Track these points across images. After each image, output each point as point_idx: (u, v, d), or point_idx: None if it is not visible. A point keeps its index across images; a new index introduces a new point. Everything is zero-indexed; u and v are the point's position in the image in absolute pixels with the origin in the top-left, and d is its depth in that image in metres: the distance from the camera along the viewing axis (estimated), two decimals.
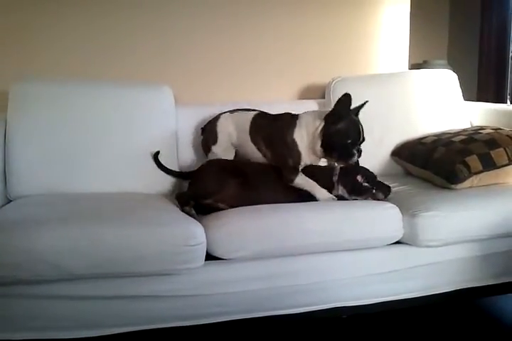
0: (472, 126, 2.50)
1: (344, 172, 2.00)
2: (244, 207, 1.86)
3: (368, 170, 2.03)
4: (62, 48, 2.47)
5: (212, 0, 2.64)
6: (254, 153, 2.15)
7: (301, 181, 1.97)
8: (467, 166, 2.03)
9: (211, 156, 2.22)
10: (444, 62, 3.12)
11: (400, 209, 1.88)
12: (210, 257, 1.71)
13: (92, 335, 1.66)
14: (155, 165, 2.19)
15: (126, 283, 1.66)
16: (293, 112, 2.13)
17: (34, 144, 2.09)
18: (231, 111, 2.26)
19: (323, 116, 2.00)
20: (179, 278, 1.69)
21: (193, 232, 1.66)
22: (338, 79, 2.56)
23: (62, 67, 2.46)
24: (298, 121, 2.04)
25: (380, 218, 1.86)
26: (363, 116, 2.03)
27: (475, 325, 2.08)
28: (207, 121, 2.29)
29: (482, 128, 2.28)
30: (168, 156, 2.24)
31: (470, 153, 2.07)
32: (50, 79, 2.27)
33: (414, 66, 3.13)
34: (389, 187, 2.00)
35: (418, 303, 1.95)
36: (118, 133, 2.19)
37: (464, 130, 2.32)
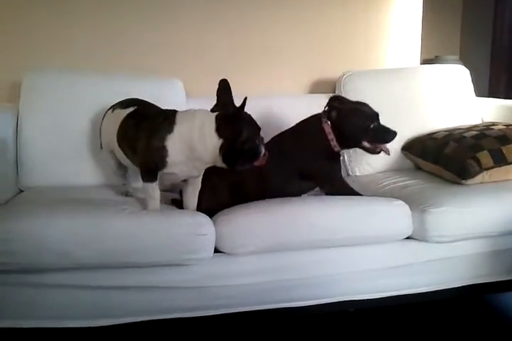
0: (484, 122, 2.48)
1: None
2: (252, 202, 1.86)
3: None
4: (72, 41, 2.47)
5: None
6: (125, 160, 1.84)
7: (151, 188, 1.70)
8: (478, 162, 2.02)
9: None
10: (456, 57, 3.09)
11: (410, 205, 1.87)
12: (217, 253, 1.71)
13: (100, 325, 1.67)
14: None
15: (134, 273, 1.67)
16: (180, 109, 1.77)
17: (45, 135, 2.11)
18: (116, 106, 1.89)
19: (212, 128, 1.61)
20: (188, 269, 1.69)
21: (201, 222, 1.67)
22: (349, 73, 2.55)
23: (72, 60, 2.46)
24: (175, 127, 1.63)
25: (389, 215, 1.85)
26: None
27: (484, 320, 2.07)
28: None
29: (494, 124, 2.27)
30: None
31: (481, 148, 2.06)
32: (63, 70, 2.28)
33: (425, 61, 3.11)
34: None
35: (427, 298, 1.94)
36: None
37: (476, 125, 2.30)
